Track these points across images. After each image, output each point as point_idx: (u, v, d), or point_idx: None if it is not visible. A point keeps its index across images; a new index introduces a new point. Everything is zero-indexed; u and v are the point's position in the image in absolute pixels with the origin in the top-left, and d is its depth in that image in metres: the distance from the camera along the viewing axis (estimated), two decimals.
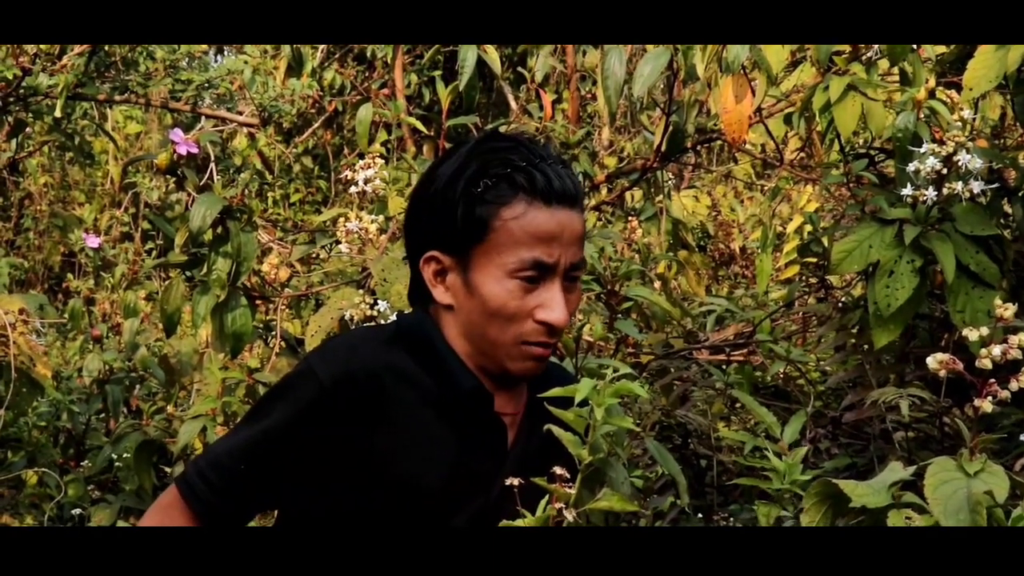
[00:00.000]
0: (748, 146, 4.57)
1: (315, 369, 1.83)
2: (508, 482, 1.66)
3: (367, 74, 7.84)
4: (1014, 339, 1.69)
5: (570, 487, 1.64)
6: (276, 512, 1.99)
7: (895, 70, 3.05)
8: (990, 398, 1.70)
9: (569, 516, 1.62)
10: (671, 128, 3.74)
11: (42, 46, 4.25)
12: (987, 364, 1.70)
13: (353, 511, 1.84)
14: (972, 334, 1.72)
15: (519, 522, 1.64)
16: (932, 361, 1.72)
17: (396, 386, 1.84)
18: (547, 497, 1.65)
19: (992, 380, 1.70)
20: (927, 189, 2.63)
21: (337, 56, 7.63)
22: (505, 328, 1.83)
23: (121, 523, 1.98)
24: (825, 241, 3.33)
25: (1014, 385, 1.69)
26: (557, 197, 1.82)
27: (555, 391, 1.73)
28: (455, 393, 1.87)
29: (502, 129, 4.55)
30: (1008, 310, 1.73)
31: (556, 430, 1.70)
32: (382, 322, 2.69)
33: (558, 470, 1.64)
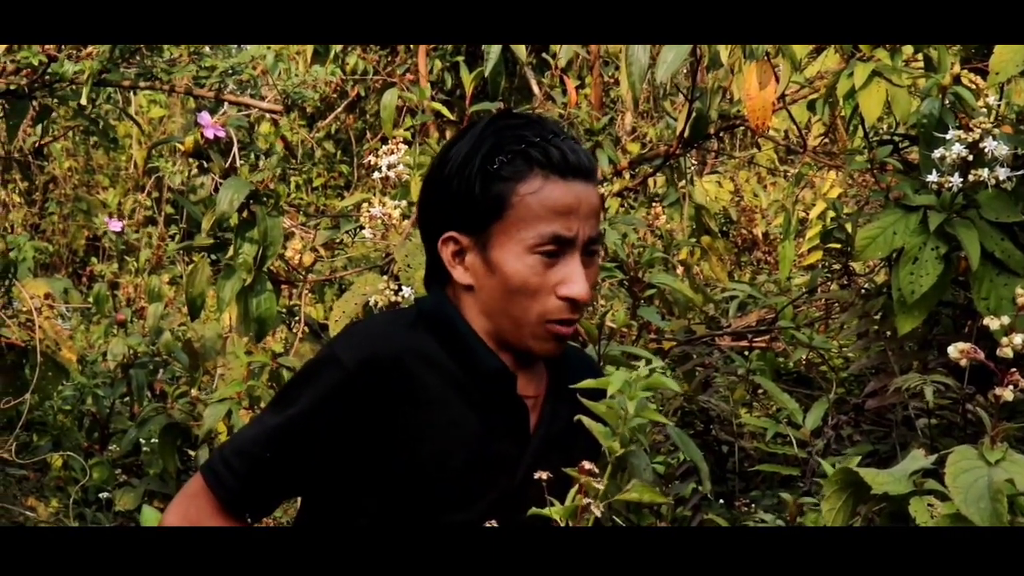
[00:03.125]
0: (771, 132, 4.56)
1: (339, 355, 1.83)
2: (537, 476, 1.66)
3: (390, 59, 7.84)
4: None
5: (599, 481, 1.64)
6: (300, 500, 2.00)
7: (920, 56, 3.04)
8: (1011, 387, 1.70)
9: (596, 511, 1.62)
10: (694, 114, 3.74)
11: None
12: (1008, 353, 1.69)
13: (378, 497, 1.85)
14: (994, 323, 1.72)
15: (547, 511, 1.64)
16: (953, 350, 1.72)
17: (420, 369, 1.84)
18: (576, 488, 1.64)
19: (1013, 369, 1.69)
20: (952, 175, 2.62)
21: None
22: (528, 306, 1.83)
23: (146, 508, 1.98)
24: (848, 227, 3.33)
25: None
26: (573, 171, 1.83)
27: (588, 383, 1.73)
28: (478, 374, 1.87)
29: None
30: None
31: (587, 421, 1.70)
32: (404, 307, 2.70)
33: (587, 465, 1.64)
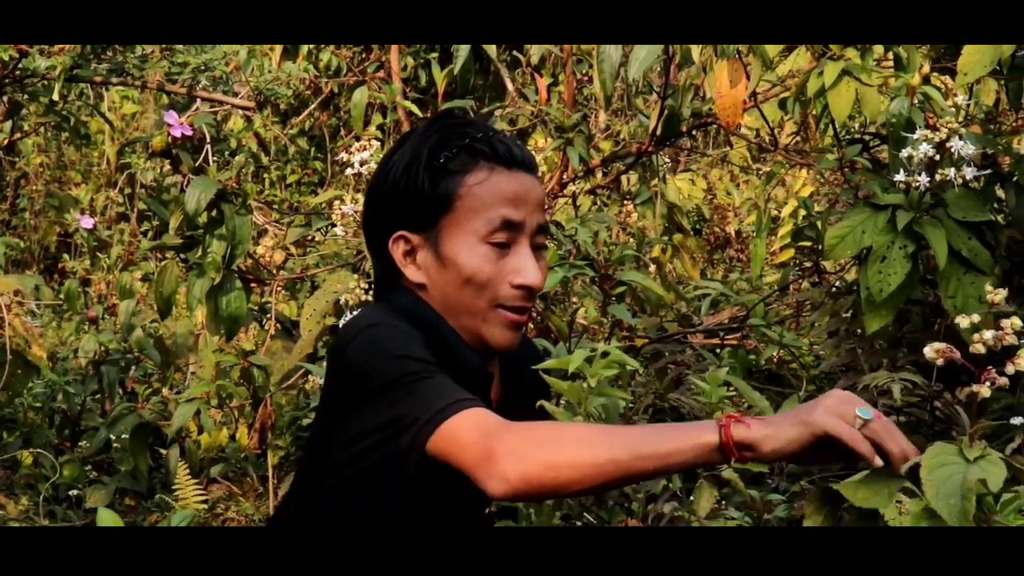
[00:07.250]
0: (743, 130, 4.57)
1: (379, 320, 1.83)
2: None
3: (363, 55, 7.83)
4: (1006, 323, 1.70)
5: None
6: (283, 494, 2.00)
7: (890, 55, 3.05)
8: (988, 384, 1.70)
9: None
10: (667, 112, 3.75)
11: None
12: (980, 349, 1.70)
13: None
14: (964, 321, 1.73)
15: None
16: (929, 351, 1.72)
17: None
18: None
19: (990, 366, 1.70)
20: (920, 175, 2.63)
21: None
22: (480, 293, 1.85)
23: (102, 510, 1.95)
24: (819, 226, 3.34)
25: (1010, 368, 1.69)
26: (518, 163, 1.88)
27: (552, 362, 1.74)
28: (459, 372, 1.87)
29: (497, 113, 4.56)
30: (998, 295, 1.73)
31: (548, 405, 1.70)
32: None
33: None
